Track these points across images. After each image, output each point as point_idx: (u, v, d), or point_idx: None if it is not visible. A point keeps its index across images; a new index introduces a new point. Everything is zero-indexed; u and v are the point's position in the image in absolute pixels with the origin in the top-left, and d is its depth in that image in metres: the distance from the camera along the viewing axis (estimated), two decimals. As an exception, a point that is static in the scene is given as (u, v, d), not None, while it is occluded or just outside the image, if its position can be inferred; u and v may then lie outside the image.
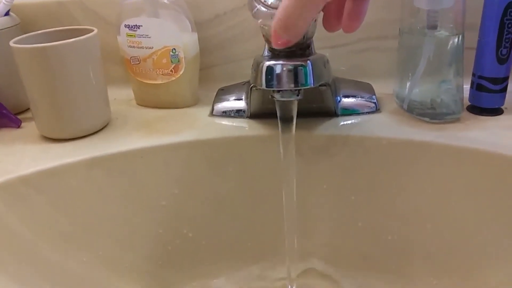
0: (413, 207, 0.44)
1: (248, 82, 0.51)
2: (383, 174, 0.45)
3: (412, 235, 0.45)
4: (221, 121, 0.49)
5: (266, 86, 0.38)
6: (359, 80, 0.52)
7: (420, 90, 0.46)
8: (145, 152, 0.45)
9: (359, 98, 0.49)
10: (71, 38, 0.47)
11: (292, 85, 0.38)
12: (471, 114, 0.46)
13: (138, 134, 0.47)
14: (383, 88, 0.51)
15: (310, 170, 0.46)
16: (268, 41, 0.41)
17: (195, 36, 0.51)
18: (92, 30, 0.47)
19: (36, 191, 0.42)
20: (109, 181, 0.45)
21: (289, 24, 0.32)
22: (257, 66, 0.41)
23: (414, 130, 0.44)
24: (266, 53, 0.42)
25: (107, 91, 0.49)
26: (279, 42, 0.34)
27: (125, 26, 0.50)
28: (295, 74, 0.37)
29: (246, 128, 0.47)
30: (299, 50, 0.40)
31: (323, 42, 0.52)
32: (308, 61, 0.37)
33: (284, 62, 0.38)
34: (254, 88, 0.46)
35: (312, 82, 0.38)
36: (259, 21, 0.39)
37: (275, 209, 0.47)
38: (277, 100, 0.40)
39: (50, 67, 0.44)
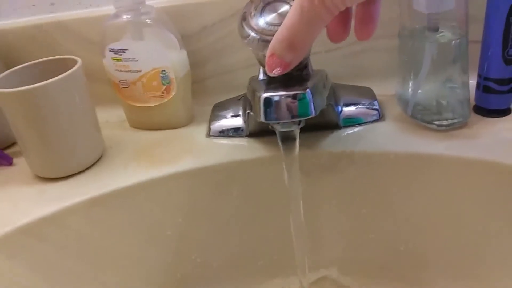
0: (425, 217, 0.43)
1: (244, 96, 0.49)
2: (392, 187, 0.43)
3: (425, 244, 0.44)
4: (219, 142, 0.47)
5: (265, 120, 0.36)
6: (357, 83, 0.50)
7: (424, 91, 0.44)
8: (145, 186, 0.44)
9: (361, 106, 0.47)
10: (54, 69, 0.45)
11: (293, 117, 0.36)
12: (478, 116, 0.44)
13: (136, 165, 0.45)
14: (383, 89, 0.49)
15: (316, 187, 0.45)
16: (263, 65, 0.39)
17: (183, 53, 0.49)
18: (76, 62, 0.44)
19: (38, 240, 0.41)
20: (110, 218, 0.43)
21: (296, 42, 0.31)
22: (253, 95, 0.39)
23: (422, 141, 0.42)
24: (261, 76, 0.40)
25: (98, 122, 0.47)
26: (278, 69, 0.33)
27: (110, 50, 0.47)
28: (294, 105, 0.35)
29: (247, 150, 0.45)
30: (296, 71, 0.38)
31: (317, 46, 0.49)
32: (308, 90, 0.35)
33: (283, 93, 0.36)
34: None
35: (313, 111, 0.36)
36: (253, 49, 0.37)
37: (283, 226, 0.46)
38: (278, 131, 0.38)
39: (36, 109, 0.41)
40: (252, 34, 0.36)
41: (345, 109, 0.46)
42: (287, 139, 0.39)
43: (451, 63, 0.42)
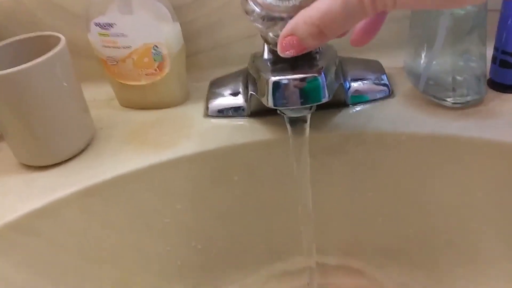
0: (436, 200, 0.42)
1: (243, 71, 0.45)
2: (403, 169, 0.41)
3: (435, 228, 0.43)
4: (218, 123, 0.44)
5: (275, 105, 0.33)
6: (364, 55, 0.47)
7: (437, 64, 0.41)
8: (141, 173, 0.41)
9: (369, 82, 0.44)
10: (35, 48, 0.41)
11: (304, 102, 0.33)
12: (493, 91, 0.42)
13: (130, 150, 0.42)
14: (391, 61, 0.46)
15: (324, 170, 0.42)
16: (268, 42, 0.36)
17: (177, 26, 0.45)
18: (59, 39, 0.40)
19: (30, 235, 0.38)
20: (106, 208, 0.41)
21: (327, 31, 0.28)
22: (258, 75, 0.35)
23: (435, 121, 0.40)
24: (266, 54, 0.37)
25: (86, 104, 0.44)
26: (293, 51, 0.30)
27: (96, 24, 0.43)
28: (306, 90, 0.32)
29: (249, 131, 0.42)
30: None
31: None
32: (322, 73, 0.32)
33: (292, 76, 0.32)
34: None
35: (327, 96, 0.33)
36: (258, 26, 0.33)
37: (287, 211, 0.44)
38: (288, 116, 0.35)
39: (18, 94, 0.38)
40: (258, 9, 0.33)
41: (353, 85, 0.43)
42: (296, 122, 0.36)
43: (467, 33, 0.39)
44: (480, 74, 0.40)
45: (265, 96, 0.34)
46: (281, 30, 0.31)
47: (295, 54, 0.31)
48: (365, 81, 0.44)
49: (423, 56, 0.42)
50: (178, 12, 0.46)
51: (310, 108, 0.35)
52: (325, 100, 0.33)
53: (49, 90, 0.39)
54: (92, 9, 0.43)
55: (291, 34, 0.30)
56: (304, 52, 0.31)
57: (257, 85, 0.36)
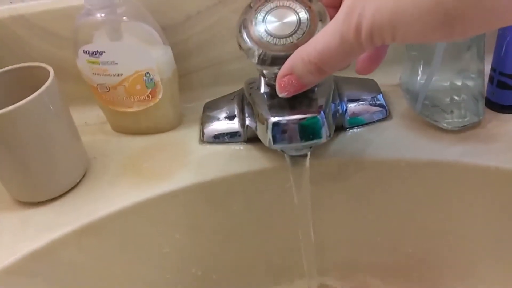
0: (434, 222, 0.42)
1: (238, 94, 0.45)
2: (403, 194, 0.41)
3: (433, 247, 0.43)
4: (214, 149, 0.43)
5: (273, 146, 0.33)
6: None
7: (434, 83, 0.41)
8: (139, 207, 0.40)
9: (366, 102, 0.43)
10: (22, 80, 0.40)
11: (304, 142, 0.32)
12: (491, 111, 0.42)
13: (125, 182, 0.41)
14: (386, 77, 0.45)
15: (323, 195, 0.42)
16: (264, 76, 0.35)
17: (168, 50, 0.44)
18: (47, 71, 0.39)
19: (27, 276, 0.37)
20: (103, 244, 0.40)
21: (326, 68, 0.28)
22: (256, 112, 0.35)
23: (433, 144, 0.39)
24: (263, 88, 0.36)
25: (79, 135, 0.42)
26: (292, 90, 0.29)
27: (84, 52, 0.42)
28: (307, 130, 0.32)
29: (246, 159, 0.42)
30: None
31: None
32: (321, 112, 0.32)
33: (293, 117, 0.32)
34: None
35: (327, 135, 0.32)
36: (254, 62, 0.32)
37: (287, 235, 0.44)
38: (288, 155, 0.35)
39: (7, 134, 0.36)
40: (254, 47, 0.32)
41: (350, 106, 0.43)
42: (296, 157, 0.36)
43: (465, 49, 0.39)
44: (477, 94, 0.40)
45: (265, 136, 0.33)
46: (278, 68, 0.31)
47: (294, 94, 0.30)
48: (361, 102, 0.43)
49: (419, 72, 0.41)
50: (169, 32, 0.45)
51: (310, 147, 0.34)
52: (325, 139, 0.32)
53: (39, 127, 0.38)
54: (80, 35, 0.42)
55: (290, 73, 0.29)
56: (303, 90, 0.30)
57: (255, 121, 0.35)
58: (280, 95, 0.30)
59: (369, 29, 0.23)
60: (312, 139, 0.32)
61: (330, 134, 0.32)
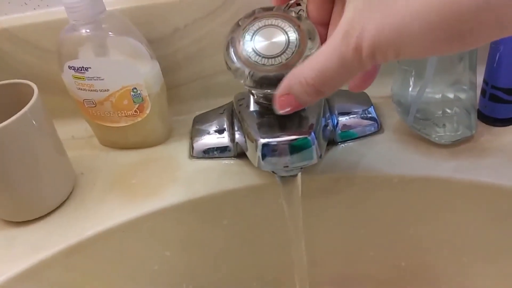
0: (427, 236, 0.41)
1: (227, 108, 0.44)
2: (395, 209, 0.41)
3: (426, 261, 0.43)
4: (204, 165, 0.43)
5: (263, 168, 0.32)
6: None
7: (426, 95, 0.40)
8: (127, 225, 0.39)
9: (357, 115, 0.43)
10: (7, 96, 0.39)
11: (295, 164, 0.32)
12: (483, 124, 0.41)
13: (113, 199, 0.41)
14: (377, 89, 0.45)
15: (314, 210, 0.41)
16: (253, 94, 0.34)
17: (156, 65, 0.43)
18: (31, 89, 0.38)
19: (13, 298, 0.37)
20: (90, 263, 0.39)
21: (325, 89, 0.27)
22: (246, 132, 0.34)
23: (426, 160, 0.39)
24: (252, 106, 0.35)
25: (65, 152, 0.42)
26: (290, 109, 0.28)
27: (70, 67, 0.41)
28: (297, 151, 0.31)
29: (237, 175, 0.41)
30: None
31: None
32: (312, 134, 0.31)
33: (283, 139, 0.31)
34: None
35: (318, 155, 0.32)
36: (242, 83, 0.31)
37: (278, 248, 0.44)
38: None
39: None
40: (243, 67, 0.31)
41: (341, 119, 0.42)
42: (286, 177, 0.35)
43: (457, 62, 0.38)
44: (470, 106, 0.40)
45: (254, 155, 0.32)
46: (267, 88, 0.30)
47: (292, 111, 0.29)
48: (353, 115, 0.43)
49: (411, 84, 0.41)
50: (157, 45, 0.44)
51: (301, 168, 0.33)
52: (316, 161, 0.32)
53: (24, 145, 0.37)
54: (64, 50, 0.41)
55: (287, 93, 0.28)
56: (302, 108, 0.29)
57: (245, 138, 0.35)
58: (278, 113, 0.29)
59: (371, 49, 0.23)
60: (303, 160, 0.31)
61: (321, 155, 0.32)
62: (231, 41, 0.32)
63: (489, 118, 0.41)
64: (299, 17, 0.31)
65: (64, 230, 0.39)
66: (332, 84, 0.26)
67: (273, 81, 0.29)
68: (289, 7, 0.31)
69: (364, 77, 0.31)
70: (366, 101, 0.44)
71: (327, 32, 0.31)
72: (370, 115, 0.43)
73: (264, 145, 0.31)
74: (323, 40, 0.31)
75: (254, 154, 0.32)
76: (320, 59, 0.26)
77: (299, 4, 0.32)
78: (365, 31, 0.23)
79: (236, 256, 0.44)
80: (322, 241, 0.43)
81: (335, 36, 0.25)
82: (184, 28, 0.45)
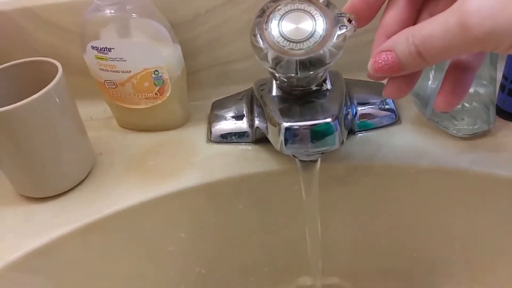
0: (441, 228, 0.42)
1: (246, 94, 0.44)
2: (411, 200, 0.41)
3: (439, 252, 0.43)
4: (222, 149, 0.43)
5: (285, 151, 0.32)
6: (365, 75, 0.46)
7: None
8: (144, 206, 0.40)
9: (375, 106, 0.43)
10: (29, 74, 0.39)
11: (317, 148, 0.32)
12: (501, 119, 0.41)
13: (131, 180, 0.41)
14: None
15: (331, 199, 0.42)
16: (276, 79, 0.35)
17: (177, 49, 0.43)
18: (56, 67, 0.38)
19: (30, 273, 0.37)
20: (107, 242, 0.40)
21: (425, 53, 0.26)
22: (268, 116, 0.34)
23: (443, 152, 0.39)
24: (275, 91, 0.36)
25: (85, 132, 0.42)
26: (383, 64, 0.28)
27: (93, 47, 0.41)
28: (319, 136, 0.32)
29: (254, 160, 0.41)
30: (315, 86, 0.34)
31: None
32: (336, 120, 0.31)
33: (306, 123, 0.31)
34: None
35: (340, 142, 0.32)
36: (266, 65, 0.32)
37: (292, 234, 0.44)
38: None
39: (15, 130, 0.36)
40: (268, 51, 0.31)
41: (360, 109, 0.42)
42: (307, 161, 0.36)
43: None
44: (488, 101, 0.40)
45: (276, 139, 0.33)
46: (292, 72, 0.30)
47: (384, 75, 0.28)
48: (371, 106, 0.43)
49: (431, 77, 0.41)
50: (177, 29, 0.45)
51: (322, 152, 0.34)
52: (338, 146, 0.32)
53: (47, 123, 0.37)
54: (87, 30, 0.41)
55: (389, 49, 0.27)
56: (394, 75, 0.29)
57: (266, 123, 0.35)
58: (370, 71, 0.29)
59: (482, 33, 0.23)
60: (325, 145, 0.32)
61: (343, 141, 0.32)
62: (258, 25, 0.32)
63: (507, 114, 0.41)
64: (327, 3, 0.31)
65: (81, 208, 0.39)
66: (433, 52, 0.26)
67: (299, 66, 0.30)
68: None
69: (454, 92, 0.30)
70: (384, 92, 0.44)
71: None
72: (388, 106, 0.43)
73: (287, 128, 0.32)
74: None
75: (276, 138, 0.33)
76: (429, 24, 0.25)
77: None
78: (482, 11, 0.23)
79: (250, 241, 0.44)
80: (336, 229, 0.44)
81: (452, 8, 0.24)
82: (205, 14, 0.45)
